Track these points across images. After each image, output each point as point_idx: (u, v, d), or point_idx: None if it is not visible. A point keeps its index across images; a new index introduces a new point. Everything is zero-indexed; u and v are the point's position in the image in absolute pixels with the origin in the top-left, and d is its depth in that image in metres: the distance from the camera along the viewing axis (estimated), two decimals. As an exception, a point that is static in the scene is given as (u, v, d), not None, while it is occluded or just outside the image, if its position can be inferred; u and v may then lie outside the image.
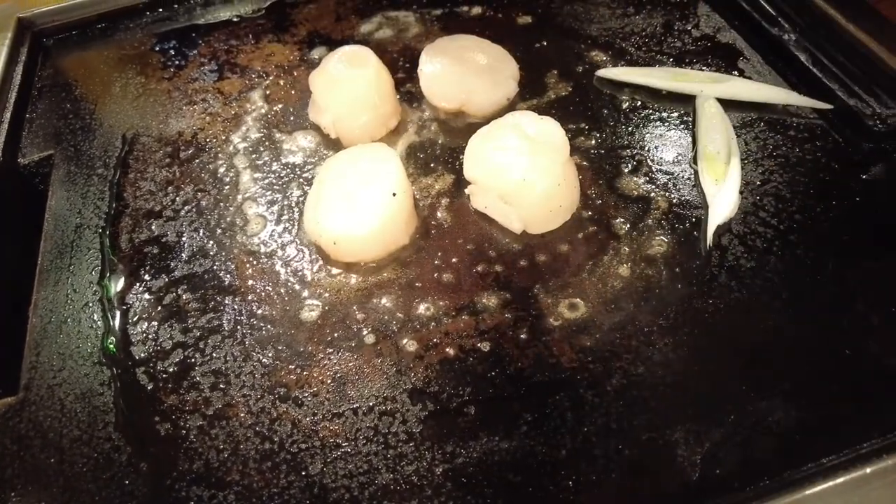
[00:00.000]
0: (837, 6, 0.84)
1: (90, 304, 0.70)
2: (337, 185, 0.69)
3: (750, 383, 0.59)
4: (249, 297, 0.69)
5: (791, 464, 0.54)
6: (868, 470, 0.52)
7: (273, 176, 0.80)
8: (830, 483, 0.52)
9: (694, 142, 0.77)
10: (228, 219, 0.76)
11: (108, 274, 0.72)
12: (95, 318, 0.69)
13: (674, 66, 0.86)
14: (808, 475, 0.53)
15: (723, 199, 0.69)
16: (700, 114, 0.78)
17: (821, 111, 0.79)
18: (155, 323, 0.68)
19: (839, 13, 0.83)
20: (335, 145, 0.82)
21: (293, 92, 0.90)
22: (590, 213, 0.72)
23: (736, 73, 0.85)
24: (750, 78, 0.84)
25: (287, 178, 0.80)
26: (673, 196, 0.73)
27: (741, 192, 0.71)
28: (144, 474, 0.58)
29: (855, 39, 0.81)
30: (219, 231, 0.75)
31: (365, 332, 0.65)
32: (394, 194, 0.68)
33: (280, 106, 0.88)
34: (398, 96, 0.84)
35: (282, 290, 0.69)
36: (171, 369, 0.64)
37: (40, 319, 0.69)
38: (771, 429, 0.56)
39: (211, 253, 0.73)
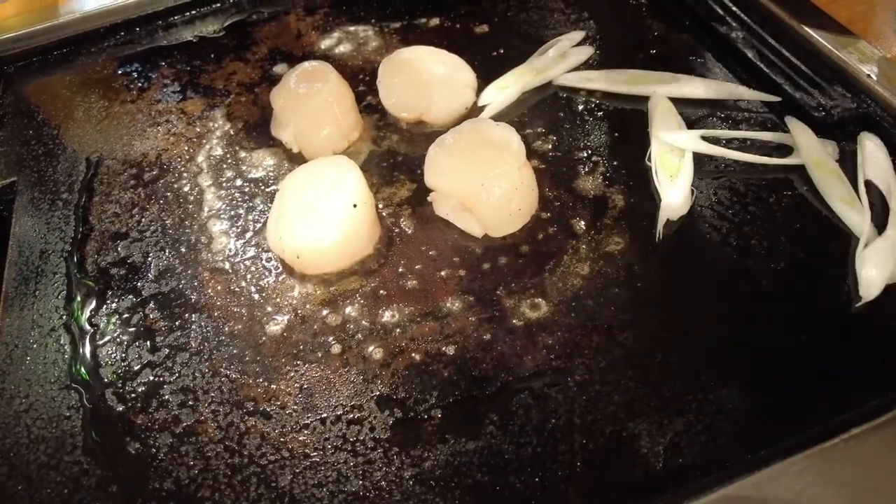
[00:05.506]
0: (781, 4, 0.86)
1: (56, 329, 0.70)
2: (298, 199, 0.70)
3: (709, 372, 0.60)
4: (216, 314, 0.69)
5: (751, 447, 0.55)
6: (821, 448, 0.53)
7: (237, 192, 0.81)
8: (787, 462, 0.53)
9: (649, 140, 0.79)
10: (193, 237, 0.77)
11: (74, 298, 0.72)
12: (62, 342, 0.69)
13: (627, 68, 0.88)
14: (765, 457, 0.54)
15: (674, 194, 0.71)
16: (653, 113, 0.80)
17: (770, 104, 0.81)
18: (123, 344, 0.68)
19: (783, 11, 0.86)
20: (298, 160, 0.82)
21: (255, 109, 0.90)
22: (549, 214, 0.74)
23: (688, 71, 0.87)
24: (701, 75, 0.86)
25: (251, 195, 0.80)
26: (630, 194, 0.74)
27: (696, 187, 0.73)
28: (115, 496, 0.58)
29: (798, 35, 0.83)
30: (184, 249, 0.75)
31: (331, 343, 0.66)
32: (354, 205, 0.69)
33: (243, 123, 0.89)
34: (359, 109, 0.85)
35: (247, 305, 0.70)
36: (139, 389, 0.64)
37: (6, 346, 0.68)
38: (731, 415, 0.58)
39: (177, 271, 0.74)
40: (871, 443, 0.53)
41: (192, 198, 0.81)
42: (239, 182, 0.82)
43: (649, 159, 0.76)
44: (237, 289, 0.71)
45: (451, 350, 0.64)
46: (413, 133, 0.85)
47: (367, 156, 0.83)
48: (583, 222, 0.72)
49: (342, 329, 0.67)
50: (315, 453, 0.58)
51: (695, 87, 0.83)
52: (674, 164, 0.74)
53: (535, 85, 0.87)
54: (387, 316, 0.67)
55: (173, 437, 0.61)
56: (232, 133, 0.88)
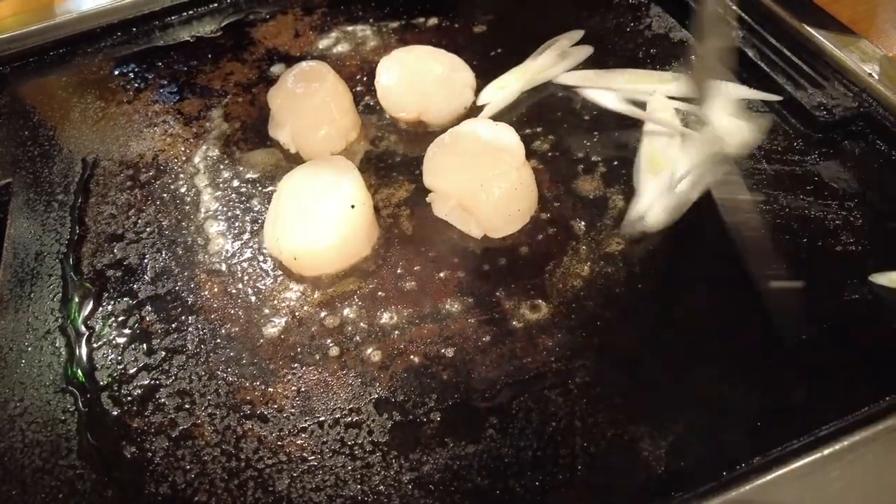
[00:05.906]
0: (782, 4, 0.86)
1: (52, 332, 0.69)
2: (295, 200, 0.70)
3: (710, 374, 0.60)
4: (213, 316, 0.69)
5: (752, 451, 0.54)
6: (826, 452, 0.52)
7: (234, 194, 0.80)
8: (790, 467, 0.52)
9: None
10: (190, 238, 0.76)
11: (70, 300, 0.72)
12: (57, 345, 0.68)
13: (628, 68, 0.87)
14: (768, 462, 0.53)
15: (652, 190, 0.70)
16: (651, 112, 0.80)
17: (770, 104, 0.80)
18: (118, 346, 0.67)
19: (784, 10, 0.86)
20: (295, 160, 0.82)
21: (252, 109, 0.90)
22: (548, 215, 0.73)
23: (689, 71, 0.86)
24: (701, 75, 0.85)
25: (248, 196, 0.80)
26: (629, 194, 0.74)
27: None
28: (110, 500, 0.57)
29: (799, 34, 0.83)
30: (181, 251, 0.75)
31: (329, 345, 0.65)
32: (352, 206, 0.68)
33: (240, 124, 0.88)
34: (357, 109, 0.85)
35: (245, 308, 0.69)
36: (135, 392, 0.64)
37: (0, 349, 0.68)
38: (731, 418, 0.57)
39: (174, 273, 0.73)
40: (875, 446, 0.52)
41: (188, 199, 0.80)
42: (236, 183, 0.81)
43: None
44: (234, 291, 0.70)
45: (450, 352, 0.63)
46: (411, 133, 0.84)
47: (364, 156, 0.82)
48: (583, 223, 0.72)
49: (340, 331, 0.66)
50: (313, 457, 0.58)
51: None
52: (662, 163, 0.73)
53: (535, 84, 0.86)
54: (385, 318, 0.67)
55: (169, 440, 0.60)
56: (229, 134, 0.87)
